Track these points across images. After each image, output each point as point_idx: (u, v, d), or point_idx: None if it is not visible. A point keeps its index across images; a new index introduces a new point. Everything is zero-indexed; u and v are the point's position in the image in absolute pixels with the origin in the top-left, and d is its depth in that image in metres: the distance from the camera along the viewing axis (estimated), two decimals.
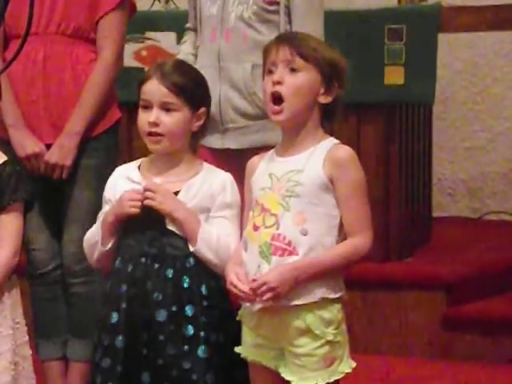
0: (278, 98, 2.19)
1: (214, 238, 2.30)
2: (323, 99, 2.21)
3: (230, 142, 2.84)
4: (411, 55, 3.72)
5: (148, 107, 2.35)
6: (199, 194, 2.34)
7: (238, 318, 2.30)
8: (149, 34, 3.95)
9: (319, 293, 2.19)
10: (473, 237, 4.43)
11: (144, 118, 2.35)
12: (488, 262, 3.89)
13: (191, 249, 2.31)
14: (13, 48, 2.89)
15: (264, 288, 2.15)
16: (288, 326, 2.20)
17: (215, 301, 2.32)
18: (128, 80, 3.76)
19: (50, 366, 3.05)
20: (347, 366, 2.24)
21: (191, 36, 3.04)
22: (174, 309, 2.29)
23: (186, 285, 2.31)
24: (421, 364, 3.57)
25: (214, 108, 2.78)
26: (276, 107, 2.20)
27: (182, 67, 2.42)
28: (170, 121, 2.33)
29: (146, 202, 2.31)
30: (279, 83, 2.18)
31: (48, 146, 2.93)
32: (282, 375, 2.23)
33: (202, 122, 2.39)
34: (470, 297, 3.67)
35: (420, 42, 3.73)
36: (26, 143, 2.91)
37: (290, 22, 2.83)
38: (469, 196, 5.17)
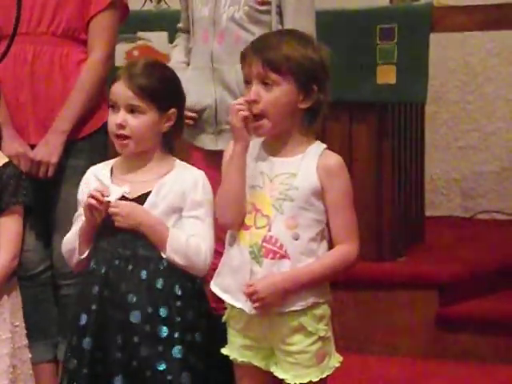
0: (257, 115, 2.18)
1: (183, 242, 2.30)
2: (303, 105, 2.19)
3: (224, 144, 2.83)
4: (403, 55, 3.72)
5: (115, 108, 2.35)
6: (170, 193, 2.34)
7: (223, 321, 2.29)
8: (140, 34, 3.95)
9: (311, 298, 2.20)
10: (465, 236, 4.44)
11: (112, 120, 2.36)
12: (481, 261, 3.90)
13: (163, 255, 2.32)
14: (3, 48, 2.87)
15: (254, 297, 2.16)
16: (280, 326, 2.20)
17: (190, 301, 2.31)
18: None
19: (42, 368, 3.04)
20: (335, 360, 2.26)
21: (183, 39, 3.03)
22: (149, 310, 2.29)
23: (159, 286, 2.31)
24: (414, 363, 3.57)
25: (209, 109, 2.78)
26: (256, 123, 2.18)
27: (152, 69, 2.38)
28: (135, 123, 2.33)
29: (116, 223, 2.30)
30: (255, 101, 2.17)
31: (35, 147, 2.91)
32: (275, 374, 2.23)
33: (172, 122, 2.37)
34: (463, 296, 3.67)
35: (412, 41, 3.73)
36: (10, 143, 2.89)
37: (281, 22, 2.83)
38: (461, 195, 5.17)
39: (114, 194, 2.34)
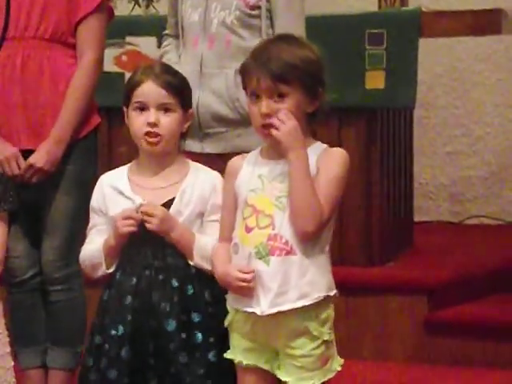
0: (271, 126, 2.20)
1: (209, 248, 2.33)
2: (310, 109, 2.22)
3: (210, 147, 2.84)
4: (392, 60, 3.73)
5: (144, 109, 2.37)
6: (192, 199, 2.37)
7: (225, 325, 2.29)
8: (129, 39, 3.94)
9: (323, 289, 2.20)
10: (454, 241, 4.44)
11: (141, 120, 2.37)
12: (470, 266, 3.90)
13: (191, 263, 2.34)
14: None
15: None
16: (285, 329, 2.21)
17: (220, 305, 2.33)
18: (108, 85, 3.75)
19: (30, 375, 3.02)
20: (337, 363, 2.27)
21: (173, 43, 3.02)
22: (183, 318, 2.32)
23: (190, 292, 2.34)
24: (403, 369, 3.56)
25: None
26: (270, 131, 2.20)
27: (170, 69, 2.47)
28: (168, 121, 2.37)
29: (147, 225, 2.32)
30: (269, 115, 2.18)
31: (25, 151, 2.89)
32: (279, 376, 2.24)
33: (189, 122, 2.44)
34: (452, 301, 3.68)
35: (401, 46, 3.74)
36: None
37: (272, 26, 2.83)
38: (450, 200, 5.18)
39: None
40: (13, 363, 2.63)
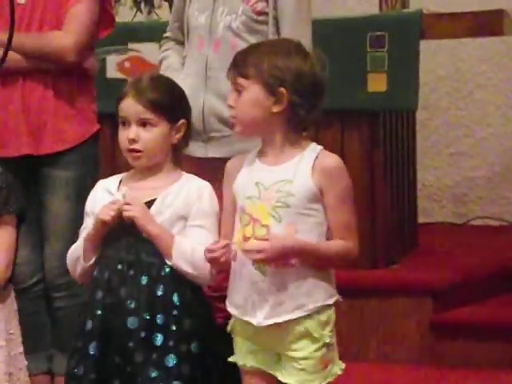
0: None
1: (189, 251, 2.31)
2: (276, 109, 2.22)
3: (214, 151, 2.83)
4: (394, 62, 3.74)
5: (126, 124, 2.39)
6: (175, 202, 2.36)
7: (228, 330, 2.29)
8: (131, 46, 3.95)
9: (320, 300, 2.21)
10: (459, 242, 4.44)
11: (124, 135, 2.39)
12: (474, 267, 3.90)
13: (168, 263, 2.33)
14: None
15: (259, 255, 2.16)
16: (287, 332, 2.22)
17: (188, 310, 2.32)
18: (112, 91, 3.76)
19: (36, 381, 3.03)
20: (338, 367, 2.28)
21: (174, 48, 3.02)
22: (146, 317, 2.30)
23: (159, 293, 2.32)
24: (409, 370, 3.57)
25: (196, 117, 2.77)
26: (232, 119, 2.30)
27: (158, 82, 2.45)
28: (148, 137, 2.37)
29: (124, 213, 2.32)
30: (231, 107, 2.28)
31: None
32: (280, 379, 2.25)
33: (181, 133, 2.42)
34: (457, 303, 3.68)
35: (402, 48, 3.75)
36: None
37: (278, 32, 2.84)
38: (454, 202, 5.18)
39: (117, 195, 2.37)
40: (26, 362, 2.64)
